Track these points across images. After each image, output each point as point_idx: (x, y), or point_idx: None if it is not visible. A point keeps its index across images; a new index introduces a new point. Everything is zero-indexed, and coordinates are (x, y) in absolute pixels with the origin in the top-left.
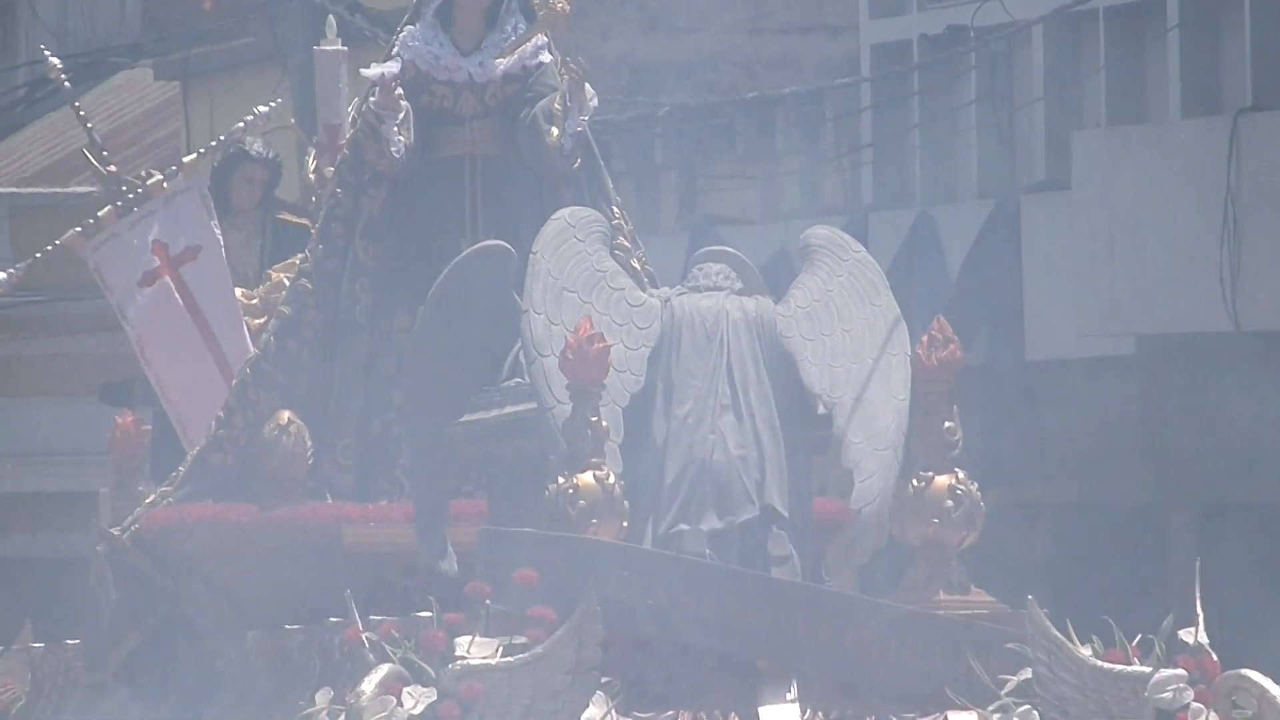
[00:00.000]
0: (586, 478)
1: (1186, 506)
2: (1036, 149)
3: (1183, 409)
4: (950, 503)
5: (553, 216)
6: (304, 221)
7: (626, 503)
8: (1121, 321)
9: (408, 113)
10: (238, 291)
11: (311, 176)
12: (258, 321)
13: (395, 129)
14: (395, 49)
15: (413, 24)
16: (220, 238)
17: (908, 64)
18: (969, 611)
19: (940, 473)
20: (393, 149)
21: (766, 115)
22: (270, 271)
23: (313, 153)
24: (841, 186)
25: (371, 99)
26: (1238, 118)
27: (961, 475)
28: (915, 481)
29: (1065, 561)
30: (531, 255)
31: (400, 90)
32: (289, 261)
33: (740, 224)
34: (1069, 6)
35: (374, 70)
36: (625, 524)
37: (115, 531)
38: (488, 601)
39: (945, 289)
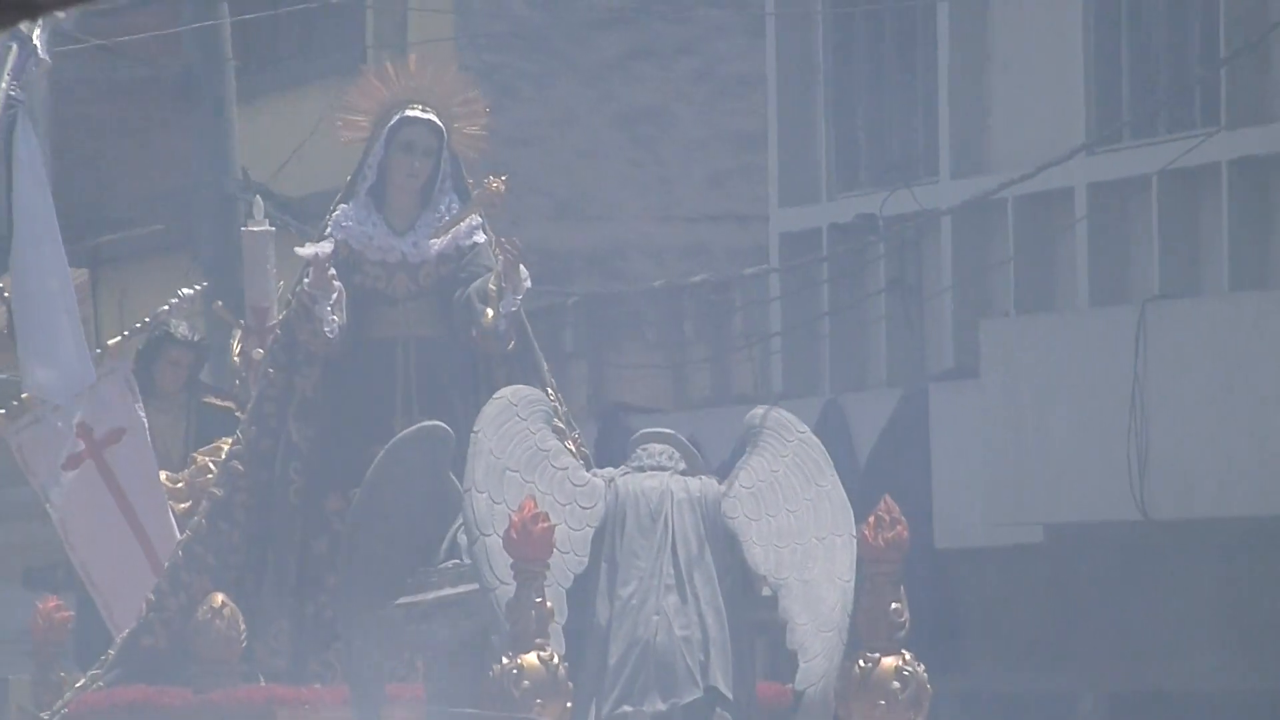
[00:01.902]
0: (531, 658)
1: (1095, 694)
2: (945, 337)
3: (1091, 597)
4: (897, 684)
5: (495, 395)
6: (229, 404)
7: (570, 684)
8: (1030, 510)
9: (341, 293)
10: (162, 475)
11: (237, 359)
12: (183, 505)
13: (329, 309)
14: (328, 229)
15: (346, 203)
16: (145, 421)
17: (817, 253)
18: None
19: (887, 654)
20: (326, 330)
21: (675, 303)
22: (195, 455)
23: (238, 335)
24: (751, 374)
25: (304, 279)
26: (1145, 306)
27: (908, 657)
28: (862, 663)
29: None
30: (474, 434)
31: (333, 270)
32: (214, 445)
33: (650, 412)
34: (978, 197)
35: (307, 250)
36: (569, 705)
37: (44, 716)
38: None
39: (854, 477)
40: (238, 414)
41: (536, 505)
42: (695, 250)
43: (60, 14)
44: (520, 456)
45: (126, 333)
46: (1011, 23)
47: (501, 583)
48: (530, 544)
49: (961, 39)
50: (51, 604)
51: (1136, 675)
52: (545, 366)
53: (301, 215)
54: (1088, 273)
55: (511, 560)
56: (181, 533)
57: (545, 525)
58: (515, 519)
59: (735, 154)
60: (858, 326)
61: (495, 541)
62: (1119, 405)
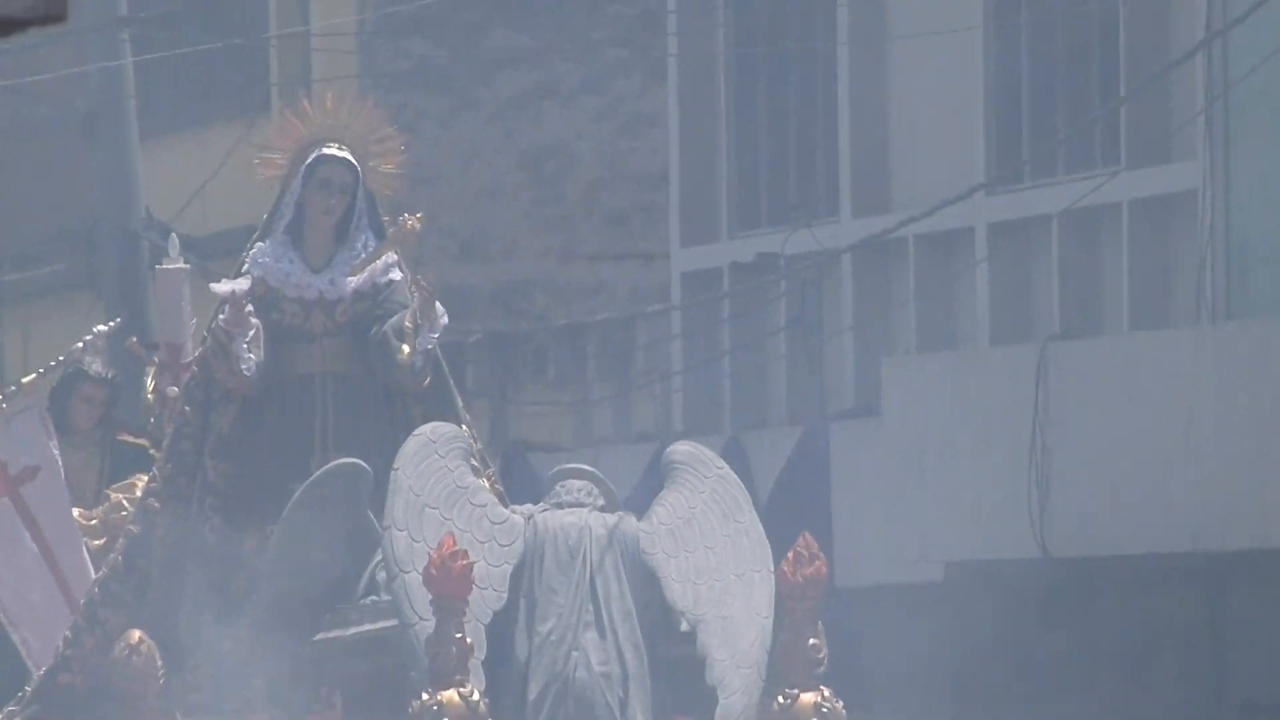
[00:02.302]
0: (450, 694)
1: None
2: (846, 376)
3: (991, 634)
4: None
5: (414, 433)
6: (143, 442)
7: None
8: (930, 548)
9: (258, 330)
10: (76, 512)
11: (150, 396)
12: (97, 542)
13: (245, 346)
14: (245, 265)
15: (262, 240)
16: (59, 458)
17: (718, 291)
18: None
19: (806, 690)
20: (243, 367)
21: (578, 342)
22: (109, 491)
23: (151, 372)
24: (653, 412)
25: (221, 316)
26: (1046, 345)
27: (827, 693)
28: (781, 699)
29: None
30: (393, 471)
31: (250, 307)
32: (128, 481)
33: (552, 450)
34: (878, 235)
35: (224, 286)
36: None
37: None
38: None
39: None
40: (151, 451)
41: (455, 542)
42: (597, 288)
43: None
44: (439, 493)
45: (41, 370)
46: (912, 63)
47: (421, 619)
48: (449, 581)
49: (862, 79)
50: None
51: (1036, 712)
52: (460, 404)
53: (205, 253)
54: (989, 312)
55: (431, 597)
56: (96, 569)
57: (464, 562)
58: (434, 556)
59: (637, 193)
60: (759, 365)
61: (415, 578)
62: (1020, 444)
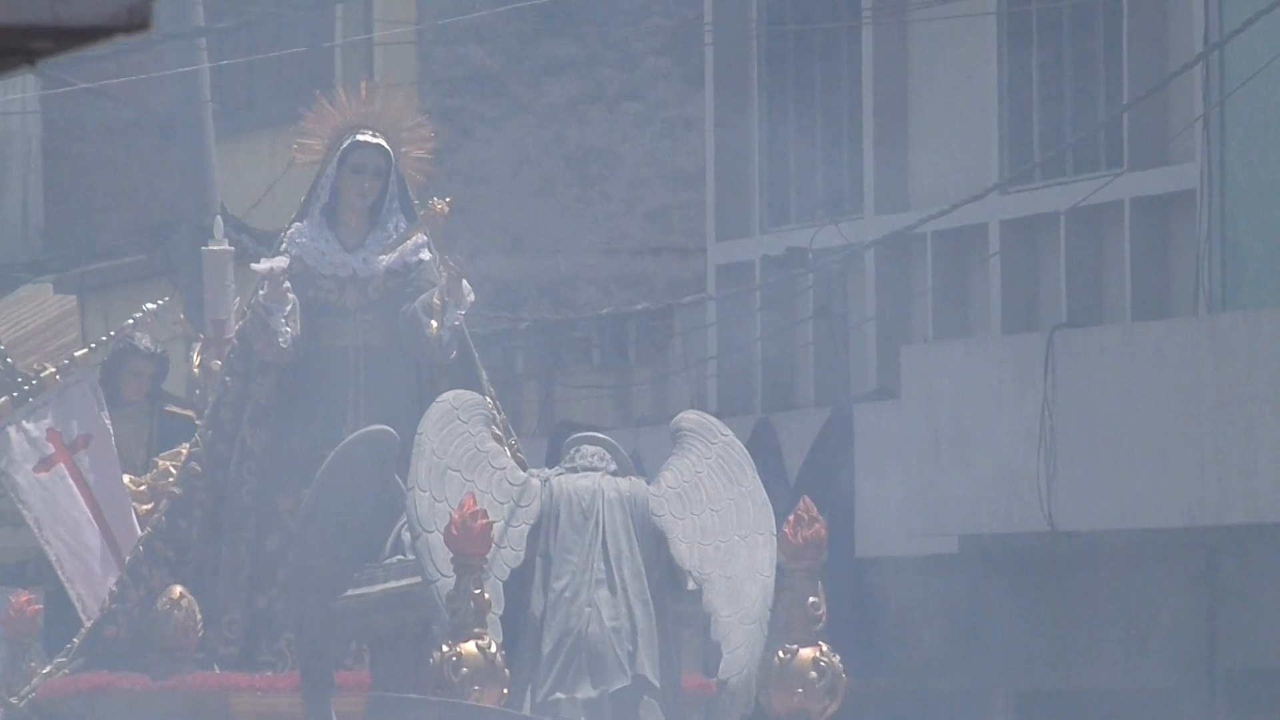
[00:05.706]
0: (470, 646)
1: (1004, 693)
2: (869, 362)
3: (1001, 603)
4: (814, 674)
5: (437, 399)
6: (189, 413)
7: (507, 671)
8: (945, 522)
9: (295, 305)
10: (126, 478)
11: (196, 370)
12: (145, 507)
13: (283, 320)
14: (284, 245)
15: (300, 220)
16: (110, 427)
17: (750, 283)
18: None
19: (805, 645)
20: (280, 340)
21: (620, 330)
22: (157, 459)
23: (198, 347)
24: (689, 395)
25: (260, 292)
26: (1053, 334)
27: (825, 648)
28: (781, 653)
29: None
30: (417, 436)
31: (288, 284)
32: (175, 450)
33: (595, 430)
34: (899, 231)
35: (263, 265)
36: (505, 691)
37: (13, 700)
38: None
39: (784, 490)
40: (197, 422)
41: (476, 503)
42: (638, 280)
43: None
44: (461, 457)
45: (93, 345)
46: (930, 71)
47: (442, 575)
48: (469, 539)
49: (884, 86)
50: (24, 598)
51: (1042, 675)
52: (485, 376)
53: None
54: (1000, 302)
55: (452, 555)
56: (143, 531)
57: (484, 522)
58: (456, 516)
59: (676, 191)
60: (788, 351)
61: (437, 537)
62: (1029, 425)
